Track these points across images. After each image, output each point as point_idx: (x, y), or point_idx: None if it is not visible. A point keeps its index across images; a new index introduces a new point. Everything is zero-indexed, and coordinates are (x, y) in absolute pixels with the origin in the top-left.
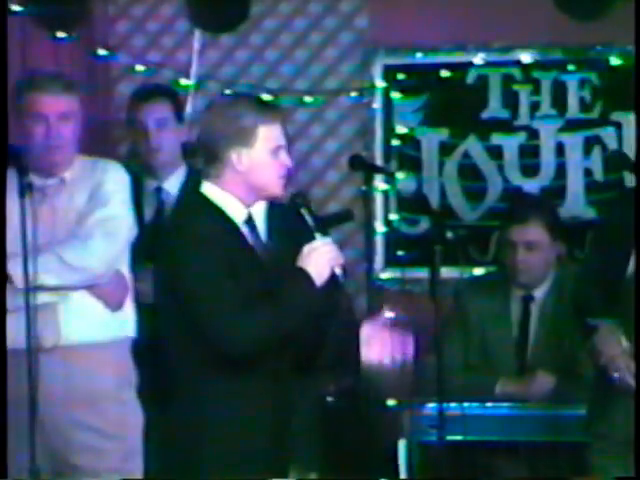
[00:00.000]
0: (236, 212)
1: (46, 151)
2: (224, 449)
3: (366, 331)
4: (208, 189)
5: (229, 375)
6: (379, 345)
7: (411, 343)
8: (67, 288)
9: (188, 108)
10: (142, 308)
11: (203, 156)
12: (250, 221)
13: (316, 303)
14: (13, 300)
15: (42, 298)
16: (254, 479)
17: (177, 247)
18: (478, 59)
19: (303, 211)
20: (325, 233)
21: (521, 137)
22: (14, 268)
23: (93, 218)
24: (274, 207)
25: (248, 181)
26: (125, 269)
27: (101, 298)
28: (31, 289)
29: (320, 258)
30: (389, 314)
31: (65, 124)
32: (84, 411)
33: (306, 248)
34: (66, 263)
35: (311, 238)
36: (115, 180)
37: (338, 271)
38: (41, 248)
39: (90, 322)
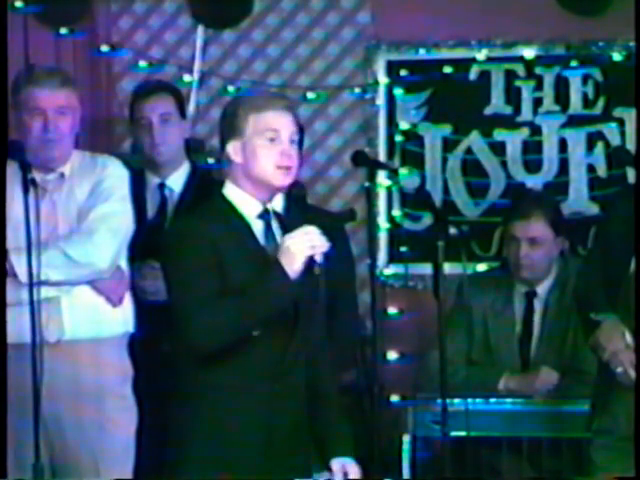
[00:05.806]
0: (247, 207)
1: (44, 145)
2: (214, 445)
3: None
4: (225, 187)
5: (219, 369)
6: None
7: None
8: (71, 283)
9: (191, 104)
10: (140, 304)
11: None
12: (265, 216)
13: (290, 292)
14: (16, 294)
15: (45, 293)
16: (246, 476)
17: (164, 243)
18: (481, 55)
19: (298, 201)
20: (313, 224)
21: (524, 133)
22: (18, 262)
23: (95, 213)
24: (289, 200)
25: (247, 173)
26: (124, 265)
27: (103, 293)
28: (35, 283)
29: (292, 247)
30: None
31: (63, 118)
32: (87, 407)
33: (284, 237)
34: (71, 258)
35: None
36: (115, 175)
37: (318, 259)
38: (43, 243)
39: (93, 317)
